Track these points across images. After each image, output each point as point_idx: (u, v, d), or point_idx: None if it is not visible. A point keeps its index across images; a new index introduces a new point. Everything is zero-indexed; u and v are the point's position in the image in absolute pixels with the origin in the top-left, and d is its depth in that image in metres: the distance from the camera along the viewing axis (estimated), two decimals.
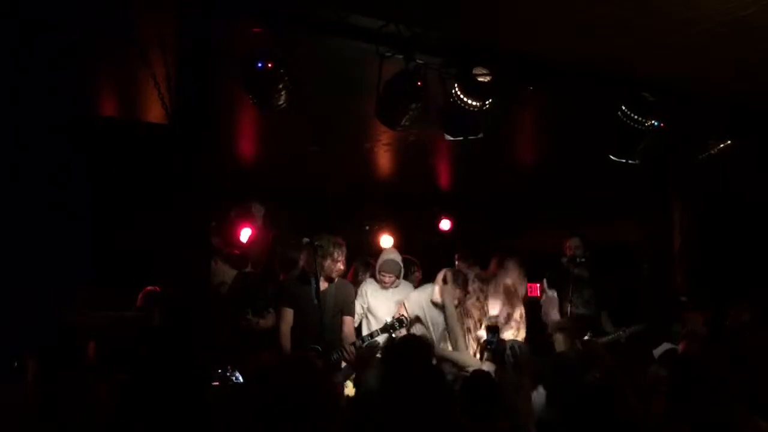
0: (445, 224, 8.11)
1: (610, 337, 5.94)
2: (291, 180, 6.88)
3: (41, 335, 4.64)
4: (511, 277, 5.51)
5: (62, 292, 5.03)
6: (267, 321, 5.40)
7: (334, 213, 7.03)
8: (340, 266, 5.26)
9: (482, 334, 5.18)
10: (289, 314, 5.18)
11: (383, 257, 5.78)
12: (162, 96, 4.47)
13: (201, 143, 4.23)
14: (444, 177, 7.48)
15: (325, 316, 5.02)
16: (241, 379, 4.65)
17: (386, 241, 7.22)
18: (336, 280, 5.31)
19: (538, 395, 4.11)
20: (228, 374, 4.61)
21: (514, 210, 7.67)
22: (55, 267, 5.17)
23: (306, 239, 5.12)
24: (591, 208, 7.15)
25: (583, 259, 6.07)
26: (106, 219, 5.50)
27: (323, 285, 5.18)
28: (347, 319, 5.26)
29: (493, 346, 4.08)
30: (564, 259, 6.21)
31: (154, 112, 4.93)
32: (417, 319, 5.43)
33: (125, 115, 5.29)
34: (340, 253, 5.19)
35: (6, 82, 4.51)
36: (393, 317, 5.20)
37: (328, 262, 5.10)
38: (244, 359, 4.80)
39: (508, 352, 4.35)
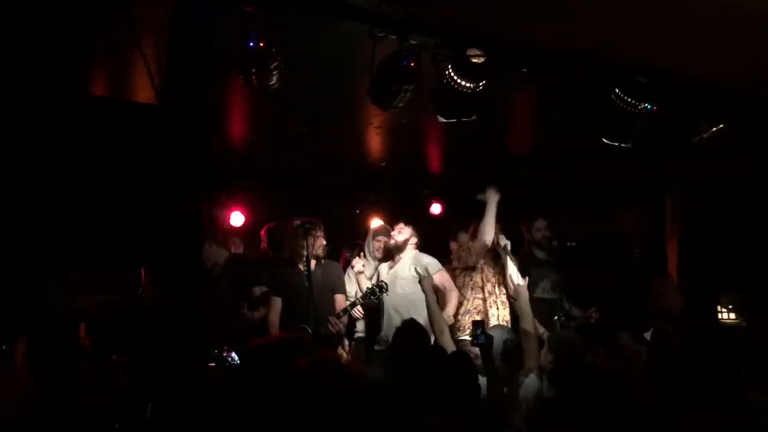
0: (435, 208, 8.10)
1: (578, 321, 5.96)
2: (282, 162, 6.84)
3: (32, 319, 4.61)
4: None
5: (53, 275, 4.99)
6: (261, 312, 5.42)
7: (325, 196, 7.01)
8: (322, 240, 5.33)
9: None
10: (277, 303, 5.21)
11: (373, 226, 6.10)
12: (152, 76, 4.42)
13: (191, 124, 4.20)
14: (435, 160, 7.46)
15: (315, 297, 5.02)
16: (237, 360, 4.65)
17: (377, 224, 7.21)
18: (323, 261, 5.30)
19: (530, 382, 4.13)
20: (225, 355, 4.60)
21: (506, 195, 7.65)
22: (44, 251, 5.12)
23: (297, 222, 5.14)
24: (583, 194, 7.16)
25: (573, 244, 6.06)
26: (95, 201, 5.44)
27: (312, 267, 5.19)
28: (338, 297, 5.33)
29: (480, 341, 4.06)
30: (538, 238, 6.12)
31: (144, 93, 4.87)
32: None
33: (115, 95, 5.23)
34: (319, 229, 5.28)
35: None
36: (372, 284, 5.29)
37: (311, 241, 5.10)
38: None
39: (501, 346, 4.37)
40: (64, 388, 3.67)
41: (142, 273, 5.15)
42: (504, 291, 5.64)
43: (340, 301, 5.33)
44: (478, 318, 5.40)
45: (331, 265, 5.51)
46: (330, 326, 5.07)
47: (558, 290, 6.01)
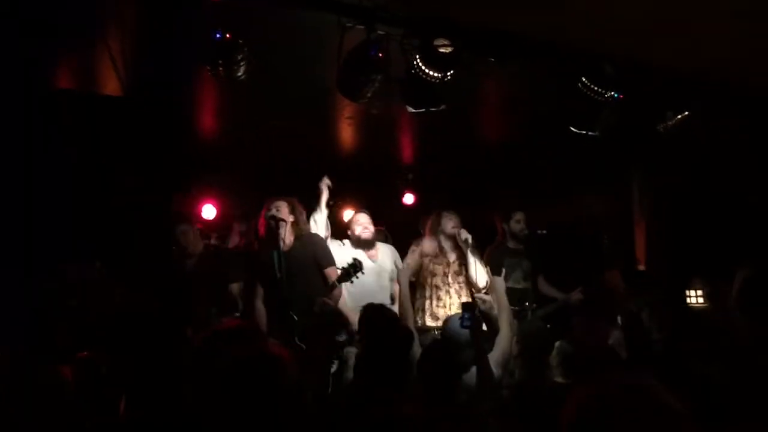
0: (408, 198, 8.13)
1: (554, 305, 6.03)
2: (253, 154, 6.81)
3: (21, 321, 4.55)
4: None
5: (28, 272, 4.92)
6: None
7: (298, 188, 6.98)
8: (289, 217, 5.13)
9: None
10: (260, 289, 5.10)
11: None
12: (117, 68, 4.38)
13: (158, 116, 4.18)
14: (407, 151, 7.48)
15: (298, 279, 4.89)
16: None
17: (350, 215, 7.21)
18: (303, 235, 5.16)
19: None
20: None
21: (477, 184, 7.71)
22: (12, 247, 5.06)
23: (269, 213, 5.07)
24: (552, 181, 7.22)
25: (544, 231, 6.12)
26: (61, 195, 5.37)
27: (289, 244, 5.09)
28: (328, 271, 5.05)
29: (469, 324, 4.02)
30: (517, 231, 6.15)
31: (111, 85, 4.82)
32: None
33: (82, 88, 5.16)
34: (285, 209, 5.12)
35: None
36: (347, 263, 4.99)
37: (282, 231, 4.96)
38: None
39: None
40: (32, 389, 3.61)
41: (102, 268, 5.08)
42: (458, 282, 5.57)
43: (332, 274, 5.00)
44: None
45: (311, 238, 5.20)
46: (317, 307, 4.77)
47: (529, 279, 6.07)
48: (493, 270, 5.55)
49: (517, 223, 6.10)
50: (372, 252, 5.71)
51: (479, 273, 5.33)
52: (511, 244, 6.13)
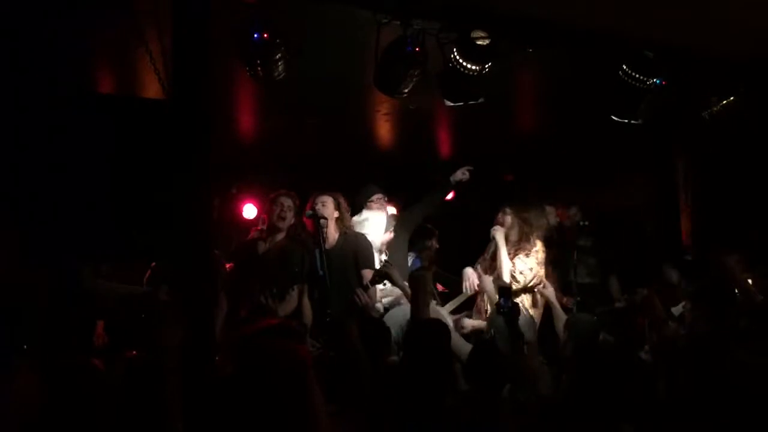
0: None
1: (618, 304, 5.92)
2: (291, 153, 6.85)
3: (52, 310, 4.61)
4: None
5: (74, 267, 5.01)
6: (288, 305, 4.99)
7: (337, 186, 6.99)
8: (333, 212, 5.12)
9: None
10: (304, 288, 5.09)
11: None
12: (158, 71, 4.43)
13: (199, 118, 4.20)
14: (445, 145, 7.44)
15: (336, 276, 4.83)
16: None
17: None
18: (347, 232, 5.15)
19: None
20: None
21: (518, 176, 7.65)
22: (61, 244, 5.15)
23: (310, 212, 5.07)
24: (594, 171, 7.12)
25: (586, 223, 6.01)
26: (106, 196, 5.46)
27: (333, 240, 5.09)
28: (365, 272, 5.00)
29: (506, 309, 3.98)
30: (568, 225, 6.11)
31: (152, 88, 4.89)
32: None
33: (123, 92, 5.24)
34: (327, 204, 5.11)
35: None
36: (380, 263, 4.99)
37: (323, 228, 4.92)
38: None
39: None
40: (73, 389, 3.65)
41: (149, 269, 5.16)
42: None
43: (368, 276, 4.94)
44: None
45: (355, 237, 5.16)
46: (357, 298, 4.75)
47: (598, 275, 5.96)
48: None
49: (575, 215, 6.09)
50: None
51: (504, 266, 5.20)
52: (580, 241, 6.04)
